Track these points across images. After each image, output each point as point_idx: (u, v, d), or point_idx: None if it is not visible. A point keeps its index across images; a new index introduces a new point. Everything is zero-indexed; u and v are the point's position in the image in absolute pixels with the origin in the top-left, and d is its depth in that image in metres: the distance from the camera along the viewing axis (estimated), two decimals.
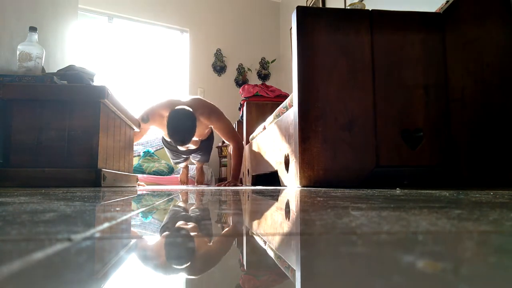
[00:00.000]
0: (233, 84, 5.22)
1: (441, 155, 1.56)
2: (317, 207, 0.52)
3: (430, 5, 1.94)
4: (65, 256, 0.21)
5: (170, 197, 0.89)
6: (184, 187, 2.60)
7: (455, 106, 1.59)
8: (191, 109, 2.54)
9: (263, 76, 5.37)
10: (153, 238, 0.30)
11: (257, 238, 0.30)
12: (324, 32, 1.57)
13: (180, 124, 2.45)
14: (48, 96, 1.57)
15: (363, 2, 1.90)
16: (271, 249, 0.26)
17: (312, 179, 1.49)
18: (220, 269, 0.21)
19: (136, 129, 2.35)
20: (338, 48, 1.56)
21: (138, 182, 2.46)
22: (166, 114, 2.56)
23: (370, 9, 1.63)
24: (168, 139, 2.82)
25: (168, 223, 0.38)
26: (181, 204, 0.68)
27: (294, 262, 0.22)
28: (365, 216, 0.39)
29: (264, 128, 2.54)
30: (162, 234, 0.32)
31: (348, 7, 1.85)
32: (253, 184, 3.01)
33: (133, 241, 0.28)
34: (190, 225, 0.37)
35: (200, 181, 3.44)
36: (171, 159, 3.24)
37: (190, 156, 3.15)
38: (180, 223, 0.38)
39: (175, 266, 0.21)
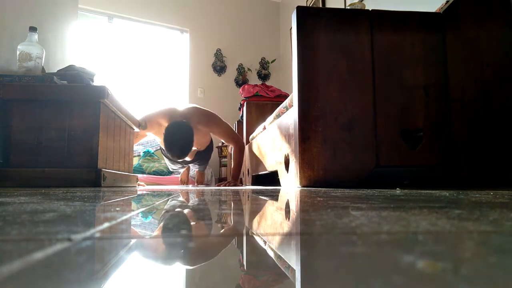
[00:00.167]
0: (233, 84, 5.22)
1: (441, 155, 1.56)
2: (317, 207, 0.52)
3: (430, 5, 1.94)
4: (65, 256, 0.21)
5: (170, 197, 0.89)
6: (184, 187, 2.60)
7: (455, 106, 1.59)
8: (188, 122, 2.55)
9: (263, 76, 5.37)
10: (153, 238, 0.30)
11: (257, 238, 0.30)
12: (324, 32, 1.57)
13: (177, 140, 2.49)
14: (48, 96, 1.57)
15: (363, 2, 1.90)
16: (271, 249, 0.26)
17: (312, 179, 1.49)
18: (220, 269, 0.21)
19: (136, 129, 2.36)
20: (338, 48, 1.56)
21: (138, 182, 2.47)
22: (163, 122, 2.60)
23: (370, 9, 1.63)
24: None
25: (168, 223, 0.38)
26: (181, 204, 0.68)
27: (294, 262, 0.22)
28: (365, 216, 0.39)
29: (264, 128, 2.54)
30: (162, 234, 0.32)
31: (348, 7, 1.85)
32: (253, 184, 3.01)
33: (133, 241, 0.28)
34: (190, 225, 0.37)
35: (200, 181, 3.44)
36: (169, 166, 3.26)
37: (189, 165, 3.19)
38: (180, 223, 0.38)
39: (175, 266, 0.21)
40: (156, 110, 2.69)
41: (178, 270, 0.21)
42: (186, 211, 0.53)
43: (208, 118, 2.72)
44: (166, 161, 3.18)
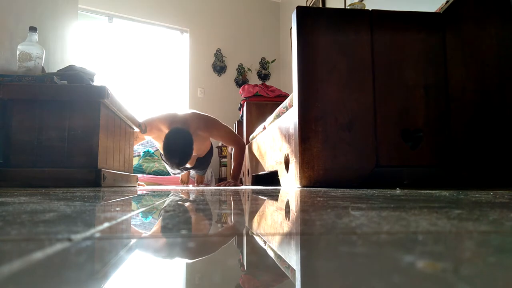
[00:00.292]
0: (233, 84, 5.22)
1: (441, 155, 1.56)
2: (317, 207, 0.52)
3: (430, 5, 1.94)
4: (65, 256, 0.21)
5: (170, 197, 0.89)
6: (184, 187, 2.60)
7: (455, 106, 1.59)
8: (187, 130, 2.55)
9: (263, 76, 5.37)
10: (153, 238, 0.30)
11: (257, 238, 0.30)
12: (324, 32, 1.57)
13: (176, 149, 2.50)
14: (48, 96, 1.57)
15: (363, 2, 1.90)
16: (271, 249, 0.26)
17: (312, 179, 1.49)
18: (220, 269, 0.21)
19: (136, 129, 2.36)
20: (338, 48, 1.56)
21: (138, 182, 2.47)
22: (163, 128, 2.61)
23: (370, 9, 1.63)
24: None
25: (168, 223, 0.38)
26: (181, 204, 0.68)
27: (294, 262, 0.22)
28: (365, 216, 0.39)
29: (264, 128, 2.54)
30: (162, 234, 0.32)
31: (348, 7, 1.85)
32: (253, 184, 3.01)
33: (133, 241, 0.28)
34: (190, 225, 0.37)
35: (200, 181, 3.45)
36: (169, 171, 3.26)
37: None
38: (180, 223, 0.38)
39: (175, 266, 0.21)
40: (157, 115, 2.70)
41: (178, 270, 0.21)
42: (186, 211, 0.53)
43: (207, 123, 2.74)
44: (166, 166, 3.19)
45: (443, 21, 1.63)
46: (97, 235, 0.28)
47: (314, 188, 1.37)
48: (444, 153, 1.56)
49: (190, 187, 2.64)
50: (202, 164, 3.04)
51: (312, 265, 0.21)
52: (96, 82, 1.79)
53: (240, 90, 3.74)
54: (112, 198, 0.78)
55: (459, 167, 1.57)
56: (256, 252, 0.26)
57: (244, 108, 3.61)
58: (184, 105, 5.01)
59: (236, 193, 1.18)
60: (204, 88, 5.08)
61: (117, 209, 0.51)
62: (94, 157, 1.58)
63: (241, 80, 5.20)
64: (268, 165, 2.32)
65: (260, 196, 0.92)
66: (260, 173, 2.66)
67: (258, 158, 2.69)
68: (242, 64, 5.28)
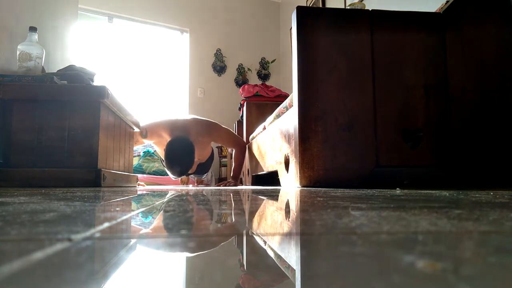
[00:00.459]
0: (233, 84, 5.22)
1: (441, 155, 1.56)
2: (317, 207, 0.52)
3: (430, 5, 1.95)
4: (65, 256, 0.21)
5: (170, 197, 0.89)
6: (184, 187, 2.60)
7: (455, 106, 1.59)
8: (189, 138, 2.57)
9: (263, 76, 5.37)
10: (153, 238, 0.30)
11: (257, 238, 0.30)
12: (324, 32, 1.57)
13: (178, 159, 2.52)
14: (48, 96, 1.57)
15: (363, 2, 1.90)
16: (271, 249, 0.26)
17: (312, 179, 1.49)
18: (220, 269, 0.21)
19: (136, 129, 2.36)
20: (338, 48, 1.56)
21: (138, 182, 2.47)
22: (164, 134, 2.63)
23: (370, 9, 1.63)
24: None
25: (168, 223, 0.38)
26: (181, 204, 0.68)
27: (294, 262, 0.22)
28: (365, 216, 0.39)
29: (264, 128, 2.54)
30: (162, 234, 0.32)
31: (348, 7, 1.85)
32: (253, 184, 3.01)
33: (133, 241, 0.28)
34: (190, 224, 0.37)
35: (200, 181, 3.45)
36: (170, 175, 3.27)
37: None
38: (179, 223, 0.38)
39: (175, 266, 0.21)
40: (157, 120, 2.71)
41: (178, 270, 0.21)
42: (186, 211, 0.53)
43: (208, 128, 2.75)
44: (167, 170, 3.20)
45: (443, 21, 1.63)
46: (97, 235, 0.28)
47: (314, 188, 1.37)
48: (444, 153, 1.56)
49: (190, 187, 2.64)
50: (203, 169, 3.05)
51: (312, 265, 0.21)
52: (96, 82, 1.79)
53: (240, 90, 3.74)
54: (112, 198, 0.78)
55: (459, 167, 1.57)
56: (256, 252, 0.26)
57: (244, 108, 3.61)
58: (184, 105, 5.01)
59: (236, 193, 1.18)
60: (204, 88, 5.08)
61: (117, 209, 0.51)
62: (94, 157, 1.58)
63: (241, 80, 5.20)
64: (268, 165, 2.32)
65: (260, 196, 0.92)
66: (260, 173, 2.66)
67: (258, 158, 2.69)
68: (242, 64, 5.28)
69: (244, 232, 0.33)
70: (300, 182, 1.50)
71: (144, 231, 0.34)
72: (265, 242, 0.28)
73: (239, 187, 2.21)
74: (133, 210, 0.52)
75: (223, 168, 4.65)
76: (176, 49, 5.10)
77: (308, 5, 4.22)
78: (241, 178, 3.54)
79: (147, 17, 4.80)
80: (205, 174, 3.28)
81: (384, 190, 1.07)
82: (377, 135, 1.54)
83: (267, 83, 5.15)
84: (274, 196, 0.94)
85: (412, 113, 1.56)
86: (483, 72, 1.60)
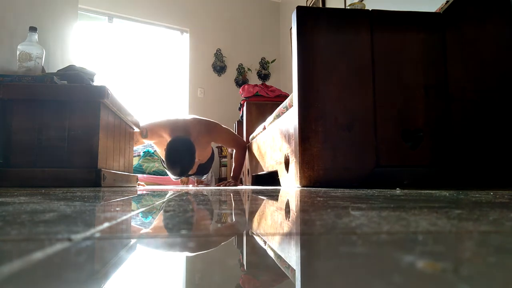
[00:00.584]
0: (233, 84, 5.22)
1: (441, 155, 1.56)
2: (317, 207, 0.52)
3: (430, 5, 1.94)
4: (65, 256, 0.21)
5: (170, 197, 0.89)
6: (184, 187, 2.60)
7: (455, 106, 1.59)
8: (189, 139, 2.56)
9: (263, 76, 5.37)
10: (153, 238, 0.30)
11: (257, 238, 0.30)
12: (324, 32, 1.57)
13: (178, 160, 2.52)
14: (48, 96, 1.57)
15: (363, 2, 1.90)
16: (271, 249, 0.26)
17: (312, 179, 1.49)
18: (220, 269, 0.21)
19: (136, 129, 2.36)
20: (338, 48, 1.56)
21: (138, 182, 2.47)
22: (164, 134, 2.62)
23: (370, 9, 1.63)
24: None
25: (168, 223, 0.38)
26: (181, 204, 0.68)
27: (294, 262, 0.22)
28: (365, 216, 0.39)
29: (264, 128, 2.54)
30: (162, 234, 0.32)
31: (348, 7, 1.85)
32: (253, 184, 3.01)
33: (133, 241, 0.28)
34: (190, 224, 0.37)
35: (200, 182, 3.45)
36: (170, 176, 3.27)
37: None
38: (179, 223, 0.38)
39: (175, 266, 0.21)
40: (158, 120, 2.71)
41: (178, 270, 0.21)
42: (186, 211, 0.53)
43: (208, 128, 2.75)
44: (167, 171, 3.20)
45: (443, 21, 1.63)
46: (97, 235, 0.28)
47: (314, 188, 1.37)
48: (444, 153, 1.56)
49: (190, 187, 2.64)
50: (203, 169, 3.05)
51: (312, 265, 0.21)
52: (96, 82, 1.79)
53: (240, 90, 3.74)
54: (112, 198, 0.78)
55: (459, 167, 1.57)
56: (256, 252, 0.26)
57: (244, 108, 3.61)
58: (184, 105, 5.01)
59: (236, 193, 1.18)
60: (204, 88, 5.08)
61: (117, 209, 0.51)
62: (94, 157, 1.58)
63: (241, 80, 5.20)
64: (268, 165, 2.32)
65: (260, 196, 0.92)
66: (260, 173, 2.66)
67: (258, 158, 2.69)
68: (242, 64, 5.28)
69: (244, 232, 0.33)
70: (300, 182, 1.50)
71: (144, 231, 0.34)
72: (265, 242, 0.28)
73: (239, 187, 2.21)
74: (133, 210, 0.52)
75: (223, 168, 4.65)
76: (176, 49, 5.10)
77: (308, 5, 4.23)
78: (241, 178, 3.54)
79: (147, 17, 4.80)
80: (205, 175, 3.28)
81: (384, 190, 1.07)
82: (377, 135, 1.54)
83: (267, 83, 5.15)
84: (274, 196, 0.94)
85: (412, 113, 1.56)
86: (483, 72, 1.60)
